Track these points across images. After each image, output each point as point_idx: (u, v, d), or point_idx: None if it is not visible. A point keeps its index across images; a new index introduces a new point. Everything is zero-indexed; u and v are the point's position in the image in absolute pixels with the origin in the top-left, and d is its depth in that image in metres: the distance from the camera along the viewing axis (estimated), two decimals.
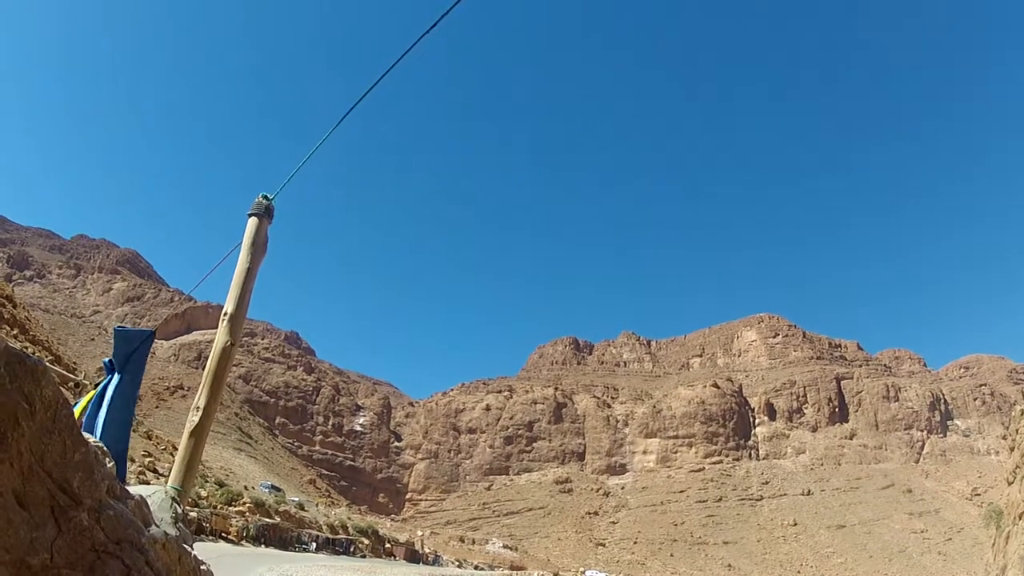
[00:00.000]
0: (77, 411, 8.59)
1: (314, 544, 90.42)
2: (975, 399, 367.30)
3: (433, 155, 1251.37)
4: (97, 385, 9.15)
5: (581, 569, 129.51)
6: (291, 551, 79.16)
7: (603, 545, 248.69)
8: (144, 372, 9.49)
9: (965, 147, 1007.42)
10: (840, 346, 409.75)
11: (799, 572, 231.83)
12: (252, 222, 9.38)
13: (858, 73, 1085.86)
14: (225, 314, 9.17)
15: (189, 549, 7.15)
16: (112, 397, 8.64)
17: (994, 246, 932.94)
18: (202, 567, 7.63)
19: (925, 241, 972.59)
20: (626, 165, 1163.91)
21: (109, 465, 6.40)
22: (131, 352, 9.00)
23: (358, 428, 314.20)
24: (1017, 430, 63.21)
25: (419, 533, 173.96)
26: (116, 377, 8.85)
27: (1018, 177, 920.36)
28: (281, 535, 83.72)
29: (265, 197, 9.46)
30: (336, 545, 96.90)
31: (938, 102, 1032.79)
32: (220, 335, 9.05)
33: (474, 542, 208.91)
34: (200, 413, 8.52)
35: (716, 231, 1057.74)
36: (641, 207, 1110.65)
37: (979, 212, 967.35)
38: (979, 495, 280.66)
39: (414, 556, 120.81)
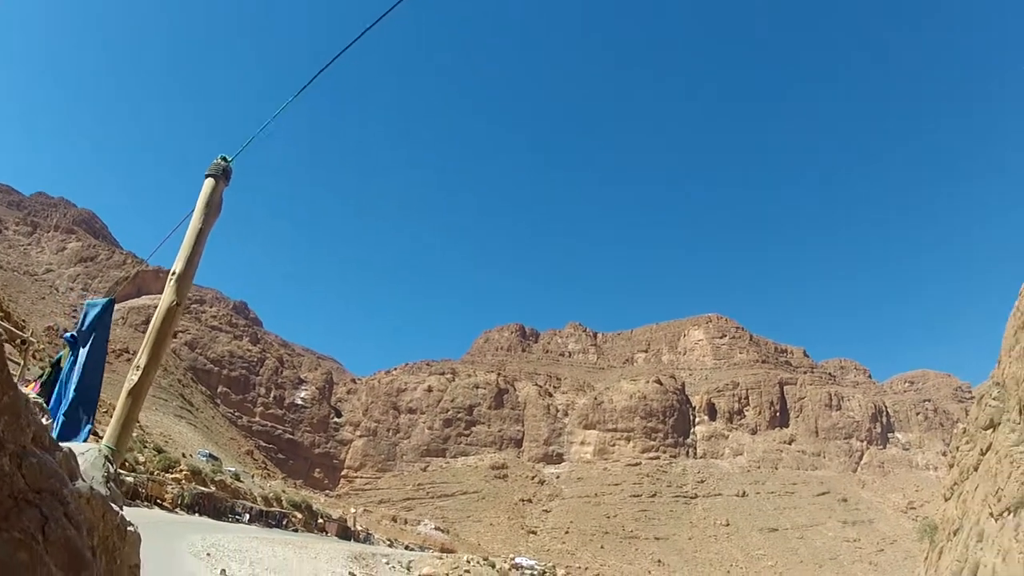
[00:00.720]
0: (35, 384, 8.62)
1: (247, 516, 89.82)
2: (918, 414, 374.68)
3: (395, 130, 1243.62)
4: (55, 359, 9.24)
5: (511, 556, 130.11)
6: (224, 521, 78.58)
7: (535, 533, 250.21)
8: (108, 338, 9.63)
9: (928, 167, 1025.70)
10: (786, 352, 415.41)
11: (729, 572, 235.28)
12: (208, 183, 9.27)
13: (822, 83, 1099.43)
14: (173, 273, 9.03)
15: (117, 509, 7.05)
16: (84, 362, 8.68)
17: (947, 267, 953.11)
18: (129, 528, 7.50)
19: (880, 256, 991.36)
20: (587, 159, 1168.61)
21: (45, 422, 6.32)
22: (96, 321, 9.20)
23: (299, 402, 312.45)
24: (958, 448, 64.68)
25: (352, 510, 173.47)
26: (84, 349, 8.90)
27: (971, 203, 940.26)
28: (215, 505, 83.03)
29: (224, 159, 9.35)
30: (269, 518, 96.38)
31: (903, 119, 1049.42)
32: (166, 294, 8.93)
33: (406, 522, 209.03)
34: (140, 372, 8.39)
35: (671, 230, 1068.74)
36: (598, 201, 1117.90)
37: (936, 234, 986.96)
38: (915, 509, 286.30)
39: (346, 533, 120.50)
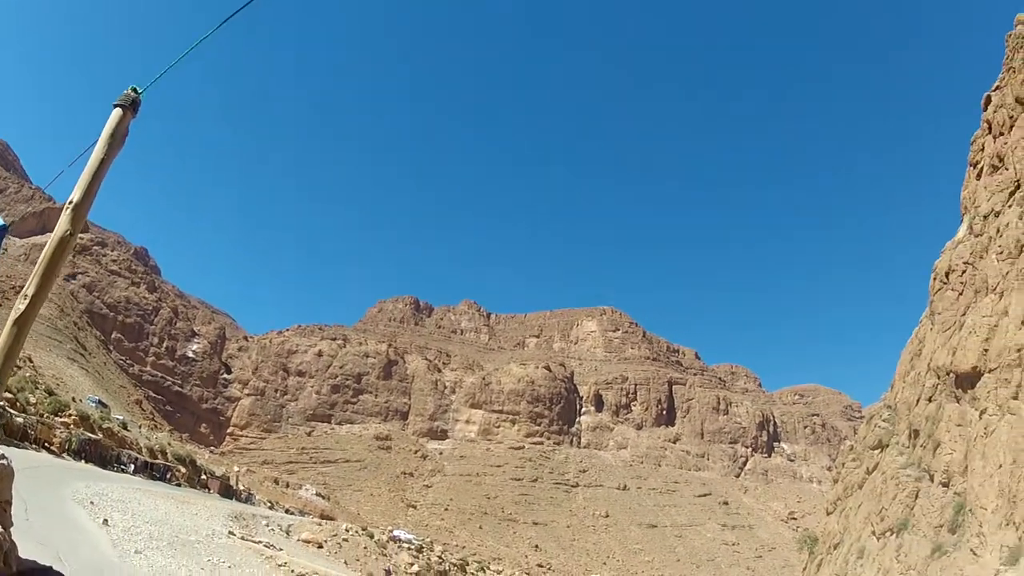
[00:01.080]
0: None
1: (132, 466, 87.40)
2: (805, 427, 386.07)
3: (314, 83, 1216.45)
4: None
5: (390, 528, 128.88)
6: (110, 470, 76.63)
7: (414, 507, 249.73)
8: None
9: (843, 192, 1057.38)
10: (678, 352, 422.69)
11: (605, 563, 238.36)
12: (116, 113, 9.08)
13: (754, 86, 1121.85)
14: (70, 202, 8.59)
15: None
16: None
17: (846, 289, 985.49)
18: (2, 462, 6.74)
19: (784, 271, 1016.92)
20: (499, 139, 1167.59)
21: None
22: None
23: (191, 355, 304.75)
24: (844, 464, 66.36)
25: (235, 469, 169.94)
26: None
27: (866, 225, 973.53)
28: (102, 452, 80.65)
29: (134, 90, 9.17)
30: (153, 470, 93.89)
31: (823, 135, 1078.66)
32: (61, 223, 8.46)
33: (288, 485, 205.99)
34: (27, 302, 8.20)
35: (576, 220, 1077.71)
36: (506, 183, 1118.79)
37: (840, 257, 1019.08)
38: (795, 519, 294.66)
39: (228, 491, 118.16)
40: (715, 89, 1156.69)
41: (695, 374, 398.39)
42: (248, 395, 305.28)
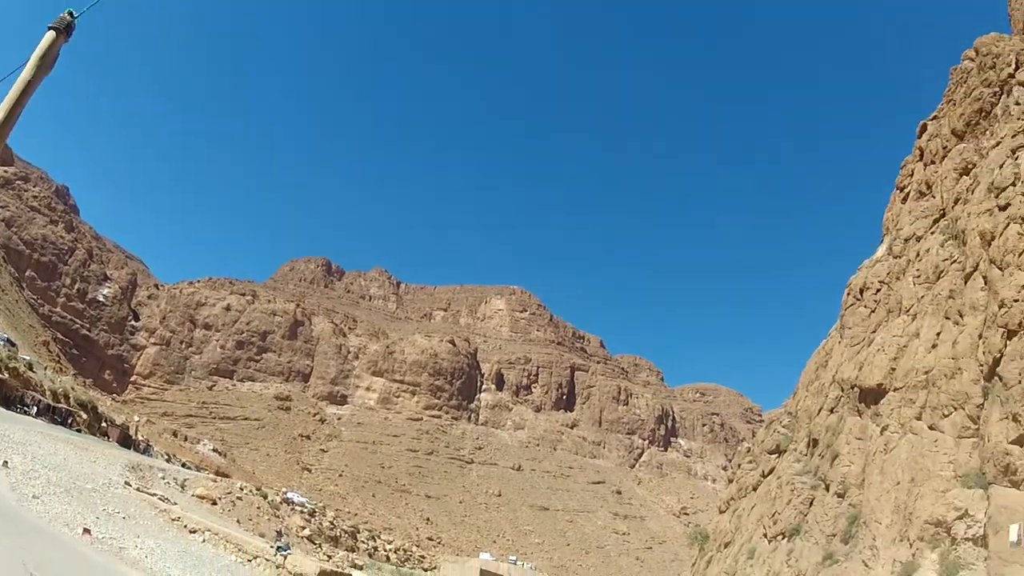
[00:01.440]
0: None
1: (35, 408, 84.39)
2: (704, 425, 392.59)
3: (241, 35, 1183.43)
4: None
5: (284, 490, 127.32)
6: (13, 411, 73.98)
7: (309, 471, 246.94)
8: None
9: (771, 197, 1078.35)
10: (583, 338, 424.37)
11: (495, 542, 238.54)
12: (48, 35, 8.89)
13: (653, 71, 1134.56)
14: None
15: None
16: None
17: (757, 293, 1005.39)
18: None
19: (694, 268, 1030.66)
20: (426, 115, 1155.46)
21: None
22: None
23: (101, 299, 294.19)
24: (740, 465, 67.42)
25: (136, 418, 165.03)
26: None
27: (778, 243, 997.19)
28: (6, 393, 77.76)
29: (70, 13, 9.06)
30: (55, 414, 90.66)
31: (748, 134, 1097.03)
32: None
33: (186, 439, 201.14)
34: None
35: (492, 196, 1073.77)
36: (424, 154, 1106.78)
37: (753, 258, 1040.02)
38: (687, 514, 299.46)
39: (127, 441, 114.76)
40: (627, 80, 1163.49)
41: (599, 362, 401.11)
42: (154, 345, 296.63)
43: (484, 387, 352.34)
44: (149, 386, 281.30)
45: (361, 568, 76.56)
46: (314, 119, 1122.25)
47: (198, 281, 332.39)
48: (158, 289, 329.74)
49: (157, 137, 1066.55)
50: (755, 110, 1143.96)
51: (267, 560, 43.42)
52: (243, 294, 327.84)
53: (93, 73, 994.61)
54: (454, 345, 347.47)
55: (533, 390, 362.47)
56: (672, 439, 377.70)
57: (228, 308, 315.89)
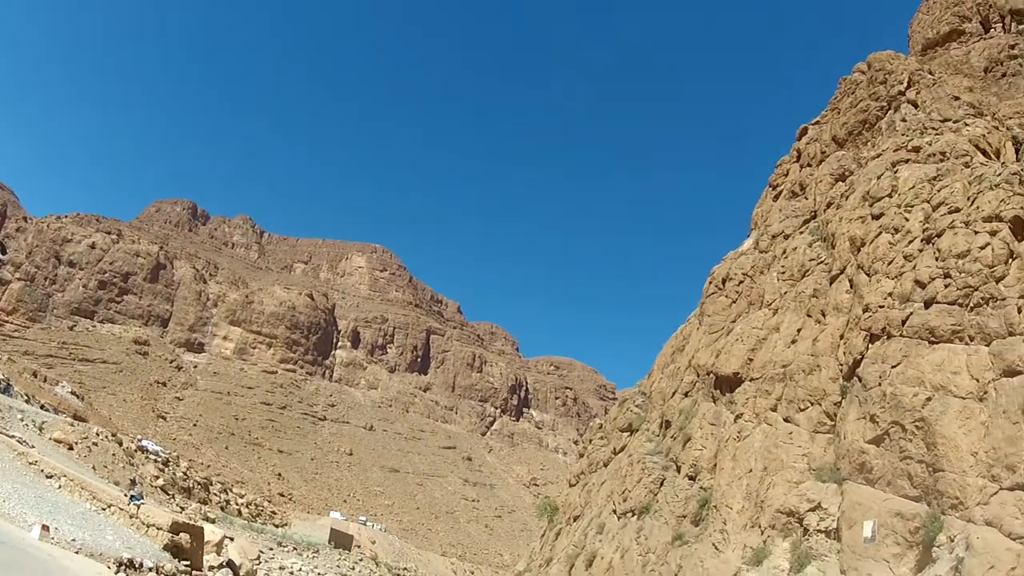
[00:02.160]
0: None
1: None
2: (557, 398, 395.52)
3: None
4: None
5: (139, 437, 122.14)
6: None
7: (164, 419, 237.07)
8: None
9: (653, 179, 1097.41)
10: (441, 302, 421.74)
11: (345, 501, 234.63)
12: None
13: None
14: None
15: None
16: None
17: (617, 265, 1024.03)
18: None
19: (556, 239, 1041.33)
20: (300, 64, 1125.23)
21: None
22: None
23: None
24: (591, 440, 67.52)
25: None
26: None
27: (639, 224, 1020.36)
28: None
29: None
30: None
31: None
32: None
33: (46, 380, 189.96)
34: None
35: (361, 151, 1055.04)
36: (299, 101, 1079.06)
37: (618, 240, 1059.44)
38: (537, 486, 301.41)
39: None
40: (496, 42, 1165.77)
41: (455, 327, 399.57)
42: (19, 280, 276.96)
43: (340, 344, 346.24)
44: (12, 323, 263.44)
45: (213, 522, 74.71)
46: (194, 54, 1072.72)
47: (66, 216, 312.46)
48: (27, 222, 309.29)
49: (31, 64, 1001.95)
50: (621, 89, 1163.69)
51: (121, 509, 41.75)
52: (109, 232, 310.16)
53: None
54: (312, 300, 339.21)
55: (388, 350, 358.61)
56: (524, 410, 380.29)
57: (93, 246, 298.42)
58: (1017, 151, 36.59)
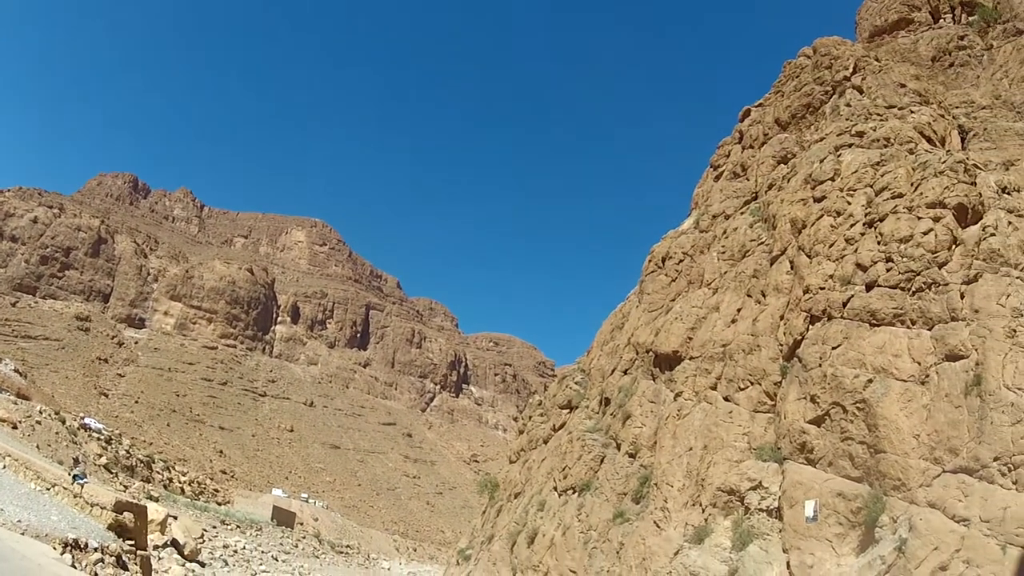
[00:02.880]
0: None
1: None
2: (496, 374, 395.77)
3: None
4: None
5: (81, 415, 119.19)
6: None
7: (106, 396, 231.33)
8: None
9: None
10: (381, 277, 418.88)
11: (287, 478, 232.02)
12: None
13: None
14: None
15: None
16: None
17: (559, 246, 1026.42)
18: None
19: (496, 215, 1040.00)
20: (236, 34, 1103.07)
21: None
22: None
23: None
24: (531, 417, 66.73)
25: None
26: None
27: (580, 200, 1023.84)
28: None
29: None
30: None
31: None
32: None
33: None
34: None
35: (300, 121, 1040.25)
36: (236, 75, 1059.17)
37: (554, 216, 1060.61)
38: (478, 462, 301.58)
39: None
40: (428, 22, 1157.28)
41: (394, 303, 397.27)
42: None
43: (279, 319, 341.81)
44: None
45: (157, 500, 73.67)
46: (137, 24, 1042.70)
47: (8, 190, 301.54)
48: None
49: None
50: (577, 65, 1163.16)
51: (65, 489, 40.56)
52: (50, 206, 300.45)
53: None
54: (252, 274, 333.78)
55: (328, 326, 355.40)
56: (464, 386, 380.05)
57: (35, 220, 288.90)
58: (963, 140, 36.59)
